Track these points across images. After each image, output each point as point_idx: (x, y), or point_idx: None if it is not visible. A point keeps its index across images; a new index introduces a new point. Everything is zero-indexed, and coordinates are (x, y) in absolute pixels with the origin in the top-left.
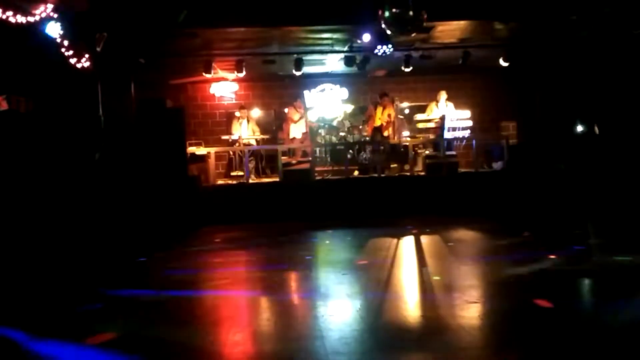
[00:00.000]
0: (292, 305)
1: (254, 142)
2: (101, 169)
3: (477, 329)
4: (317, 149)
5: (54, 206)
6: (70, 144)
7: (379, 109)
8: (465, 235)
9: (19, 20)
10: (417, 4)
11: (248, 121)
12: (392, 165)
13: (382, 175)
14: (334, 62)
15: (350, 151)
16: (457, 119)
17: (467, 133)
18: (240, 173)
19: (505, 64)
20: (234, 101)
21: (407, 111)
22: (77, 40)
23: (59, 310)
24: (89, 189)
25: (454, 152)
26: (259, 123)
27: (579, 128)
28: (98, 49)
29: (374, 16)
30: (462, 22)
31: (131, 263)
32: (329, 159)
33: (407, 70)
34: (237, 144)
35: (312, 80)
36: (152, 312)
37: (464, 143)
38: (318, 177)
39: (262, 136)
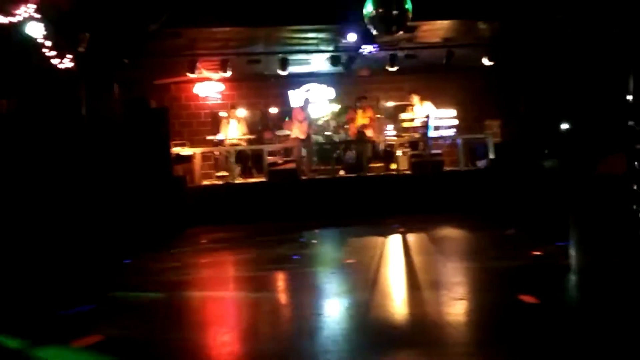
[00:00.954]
0: (280, 304)
1: (242, 143)
2: (85, 169)
3: (464, 325)
4: (304, 149)
5: (38, 207)
6: (53, 145)
7: (360, 111)
8: (451, 233)
9: (1, 21)
10: (401, 3)
11: (237, 121)
12: (377, 165)
13: (368, 174)
14: (320, 62)
15: (336, 151)
16: (442, 118)
17: (452, 132)
18: (226, 173)
19: (489, 63)
20: (219, 101)
21: (391, 110)
22: (59, 40)
23: (44, 313)
24: (73, 190)
25: (439, 151)
26: (245, 123)
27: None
28: (81, 49)
29: (359, 16)
30: (446, 22)
31: (116, 264)
32: (315, 159)
33: (392, 69)
34: (222, 144)
35: (298, 79)
36: (140, 314)
37: (448, 142)
38: (304, 177)
39: (248, 136)
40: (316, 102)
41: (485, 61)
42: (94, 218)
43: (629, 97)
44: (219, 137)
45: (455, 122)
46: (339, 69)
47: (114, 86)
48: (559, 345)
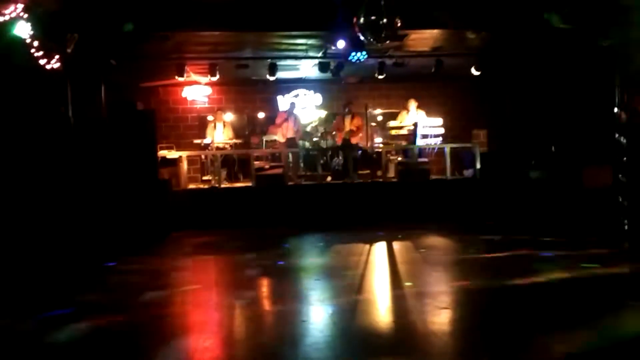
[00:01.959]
0: (263, 311)
1: (228, 147)
2: (70, 171)
3: (448, 334)
4: (290, 155)
5: (21, 209)
6: (38, 146)
7: (347, 118)
8: (436, 241)
9: None
10: (391, 12)
11: (224, 125)
12: (364, 172)
13: (355, 181)
14: (308, 68)
15: (324, 157)
16: (429, 127)
17: (439, 140)
18: (212, 177)
19: (477, 73)
20: (206, 105)
21: (379, 118)
22: (47, 40)
23: (24, 315)
24: (57, 192)
25: (425, 159)
26: (232, 127)
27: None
28: (69, 50)
29: (348, 23)
30: (435, 31)
31: (99, 267)
32: (302, 165)
33: (380, 77)
34: (209, 148)
35: (286, 85)
36: (120, 318)
37: (435, 150)
38: (291, 183)
39: (235, 140)
40: (303, 108)
41: (474, 71)
42: (77, 220)
43: (616, 110)
44: (205, 141)
45: (442, 130)
46: (328, 75)
47: (101, 88)
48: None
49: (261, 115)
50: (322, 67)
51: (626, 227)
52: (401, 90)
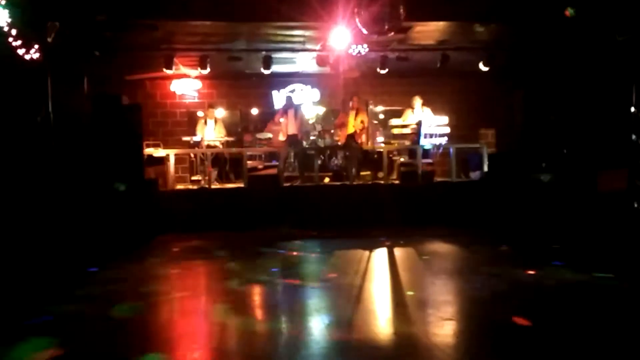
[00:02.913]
0: (255, 321)
1: (219, 145)
2: (49, 170)
3: (452, 348)
4: (291, 154)
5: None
6: (15, 143)
7: (352, 114)
8: (440, 248)
9: None
10: (394, 1)
11: (215, 122)
12: (365, 173)
13: (355, 183)
14: (306, 61)
15: (321, 157)
16: (435, 125)
17: (444, 140)
18: (202, 178)
19: (485, 69)
20: (196, 100)
21: (381, 116)
22: (26, 29)
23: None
24: (36, 192)
25: (430, 160)
26: (223, 124)
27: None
28: (49, 40)
29: (349, 14)
30: (441, 23)
31: (81, 273)
32: (297, 165)
33: (382, 72)
34: (199, 147)
35: (282, 79)
36: (103, 327)
37: (440, 151)
38: (286, 184)
39: (226, 138)
40: (300, 104)
41: (482, 66)
42: (58, 223)
43: (633, 109)
44: (195, 138)
45: (448, 130)
46: (326, 69)
47: (83, 81)
48: None
49: (255, 111)
50: (321, 60)
51: None
52: (404, 86)
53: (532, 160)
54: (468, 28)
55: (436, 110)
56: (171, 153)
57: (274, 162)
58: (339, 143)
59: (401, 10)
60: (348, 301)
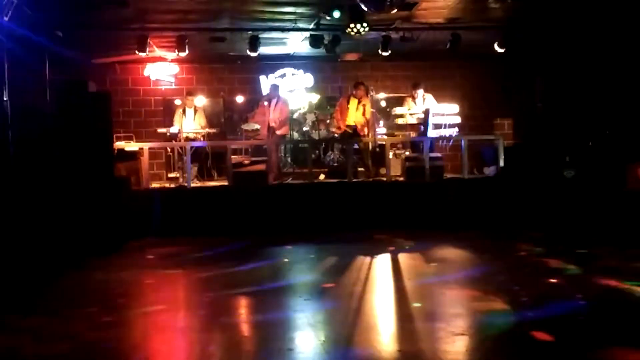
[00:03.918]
0: (242, 336)
1: (199, 138)
2: (5, 167)
3: None
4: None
5: None
6: None
7: (353, 103)
8: (451, 253)
9: None
10: None
11: (195, 111)
12: (361, 169)
13: (354, 180)
14: (297, 42)
15: (316, 151)
16: (443, 114)
17: (454, 131)
18: (180, 175)
19: (501, 50)
20: (173, 86)
21: (383, 103)
22: None
23: None
24: None
25: (439, 154)
26: (204, 114)
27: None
28: (5, 18)
29: None
30: None
31: (42, 284)
32: (289, 160)
33: (384, 54)
34: (177, 139)
35: (270, 63)
36: (68, 345)
37: (450, 143)
38: (276, 181)
39: (208, 130)
40: (291, 91)
41: (497, 48)
42: (14, 226)
43: None
44: (172, 130)
45: (459, 119)
46: (321, 51)
47: (45, 65)
48: None
49: (240, 99)
50: (314, 41)
51: None
52: (410, 70)
53: (554, 153)
54: (481, 4)
55: (445, 97)
56: (145, 147)
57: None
58: (336, 135)
59: None
60: (347, 314)
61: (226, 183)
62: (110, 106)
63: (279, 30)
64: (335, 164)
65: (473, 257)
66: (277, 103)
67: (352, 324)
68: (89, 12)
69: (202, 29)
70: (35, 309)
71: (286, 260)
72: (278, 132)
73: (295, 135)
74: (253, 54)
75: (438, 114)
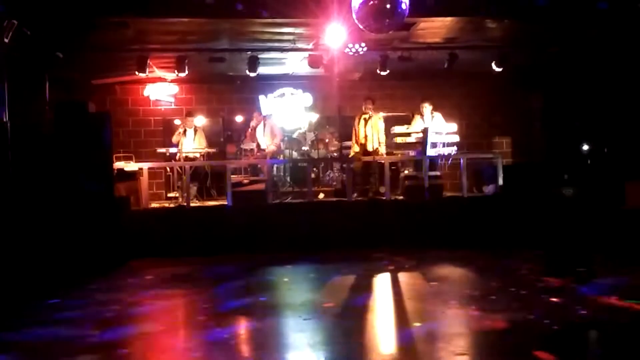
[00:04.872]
0: (240, 356)
1: (199, 157)
2: (6, 187)
3: None
4: (275, 167)
5: None
6: None
7: (362, 120)
8: (451, 272)
9: None
10: None
11: (195, 131)
12: (364, 187)
13: (353, 199)
14: (296, 62)
15: (315, 169)
16: (441, 133)
17: (453, 150)
18: (180, 194)
19: (499, 69)
20: (173, 106)
21: (382, 123)
22: None
23: None
24: None
25: (438, 173)
26: (204, 134)
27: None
28: (6, 40)
29: (344, 8)
30: (448, 19)
31: (41, 305)
32: (288, 179)
33: (383, 73)
34: (176, 159)
35: (270, 83)
36: None
37: (449, 162)
38: (275, 201)
39: (207, 149)
40: (290, 111)
41: (494, 67)
42: (15, 246)
43: None
44: (171, 150)
45: (457, 138)
46: (319, 71)
47: (45, 86)
48: None
49: (239, 119)
50: (313, 61)
51: None
52: (408, 89)
53: (553, 172)
54: (478, 24)
55: (444, 117)
56: (144, 167)
57: (261, 176)
58: (335, 151)
59: (403, 4)
60: (346, 334)
61: (225, 203)
62: (110, 126)
63: (278, 51)
64: (334, 183)
65: (473, 276)
66: (265, 126)
67: (351, 345)
68: (89, 33)
69: (202, 49)
70: (37, 330)
71: (286, 279)
72: (267, 151)
73: (295, 154)
74: (252, 74)
75: (437, 132)
